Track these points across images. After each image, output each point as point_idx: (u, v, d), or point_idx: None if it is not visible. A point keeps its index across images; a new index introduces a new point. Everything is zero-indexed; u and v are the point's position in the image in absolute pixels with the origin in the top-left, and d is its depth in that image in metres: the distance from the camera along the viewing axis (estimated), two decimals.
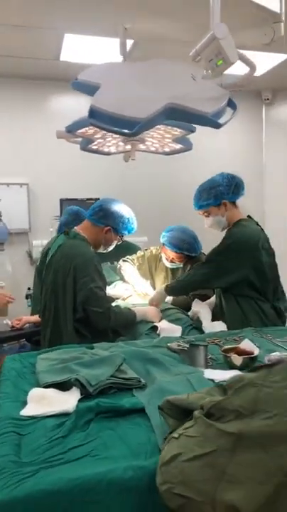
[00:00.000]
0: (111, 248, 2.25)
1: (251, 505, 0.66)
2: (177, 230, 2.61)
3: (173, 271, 2.71)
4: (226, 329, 2.09)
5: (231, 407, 0.72)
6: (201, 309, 2.25)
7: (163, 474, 0.78)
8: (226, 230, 2.25)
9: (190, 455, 0.73)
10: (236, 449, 0.68)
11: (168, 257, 2.63)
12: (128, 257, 2.82)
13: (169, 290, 2.31)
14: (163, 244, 2.63)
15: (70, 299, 1.99)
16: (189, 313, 2.34)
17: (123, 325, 2.12)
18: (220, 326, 2.11)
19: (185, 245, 2.55)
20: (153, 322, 2.17)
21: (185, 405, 0.89)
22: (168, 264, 2.67)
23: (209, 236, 2.49)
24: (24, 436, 1.09)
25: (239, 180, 2.22)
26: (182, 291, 2.37)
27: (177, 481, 0.74)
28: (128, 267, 2.74)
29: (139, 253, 2.85)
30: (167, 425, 0.96)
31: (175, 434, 0.81)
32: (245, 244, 2.11)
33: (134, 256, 2.83)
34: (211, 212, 2.22)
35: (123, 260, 2.78)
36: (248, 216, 2.28)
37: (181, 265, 2.65)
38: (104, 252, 2.25)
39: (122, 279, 2.74)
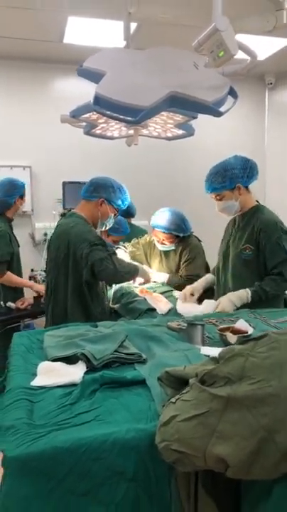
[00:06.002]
0: (109, 223, 2.33)
1: (237, 458, 0.77)
2: (165, 211, 2.71)
3: (167, 255, 2.80)
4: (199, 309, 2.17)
5: (221, 374, 0.82)
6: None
7: (161, 434, 0.89)
8: (238, 216, 2.21)
9: (185, 416, 0.84)
10: (226, 410, 0.79)
11: (159, 239, 2.71)
12: (122, 243, 2.92)
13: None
14: (153, 227, 2.71)
15: (72, 270, 2.09)
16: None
17: (129, 271, 2.23)
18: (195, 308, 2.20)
19: (172, 226, 2.64)
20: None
21: (181, 375, 0.99)
22: (160, 247, 2.75)
23: (210, 219, 2.55)
24: (35, 403, 1.19)
25: (254, 164, 2.16)
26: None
27: (174, 438, 0.85)
28: (119, 252, 2.83)
29: (134, 240, 2.94)
30: (165, 395, 1.06)
31: (173, 400, 0.92)
32: (282, 225, 2.13)
33: (128, 243, 2.92)
34: (224, 196, 2.14)
35: (117, 247, 2.88)
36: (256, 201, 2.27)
37: (173, 247, 2.73)
38: (103, 229, 2.33)
39: None
